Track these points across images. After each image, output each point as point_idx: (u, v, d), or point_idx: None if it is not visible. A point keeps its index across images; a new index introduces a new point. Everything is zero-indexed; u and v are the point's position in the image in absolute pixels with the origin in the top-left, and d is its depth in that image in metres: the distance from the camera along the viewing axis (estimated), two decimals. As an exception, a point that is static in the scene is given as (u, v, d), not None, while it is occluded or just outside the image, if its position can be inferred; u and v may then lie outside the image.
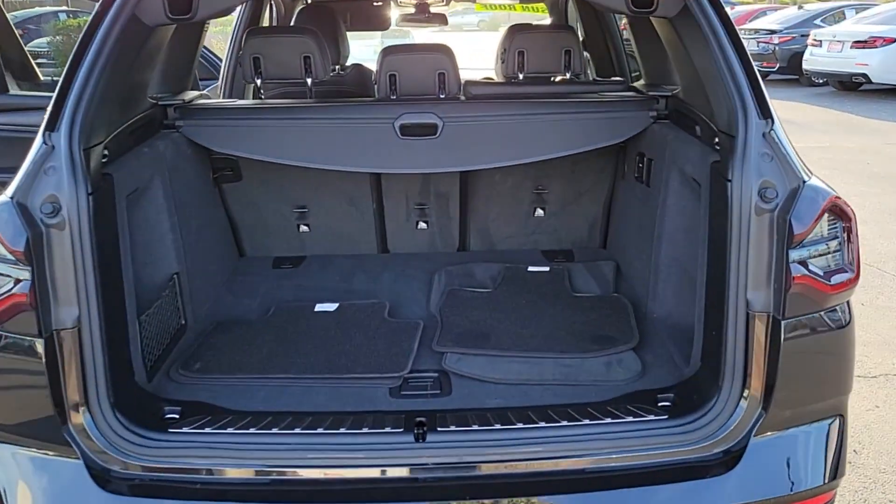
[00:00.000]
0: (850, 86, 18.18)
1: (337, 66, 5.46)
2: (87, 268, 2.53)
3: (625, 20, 4.82)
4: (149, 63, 3.30)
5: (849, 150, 11.95)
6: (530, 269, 4.07)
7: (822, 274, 2.56)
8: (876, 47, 16.83)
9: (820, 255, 2.57)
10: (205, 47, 7.62)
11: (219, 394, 2.96)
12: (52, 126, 2.55)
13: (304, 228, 4.33)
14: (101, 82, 2.66)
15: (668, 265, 3.44)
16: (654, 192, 3.55)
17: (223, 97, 5.23)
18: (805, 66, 18.47)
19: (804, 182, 2.54)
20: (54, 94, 2.63)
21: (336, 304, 3.67)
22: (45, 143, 2.54)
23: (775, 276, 2.55)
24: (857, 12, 20.15)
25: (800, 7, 22.61)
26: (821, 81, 18.69)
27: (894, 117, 14.92)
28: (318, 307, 3.66)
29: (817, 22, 20.44)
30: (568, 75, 4.09)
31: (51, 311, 2.48)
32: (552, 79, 4.28)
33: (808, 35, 18.85)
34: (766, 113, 2.62)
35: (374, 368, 3.08)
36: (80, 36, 2.72)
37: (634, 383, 2.99)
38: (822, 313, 2.61)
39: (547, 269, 4.06)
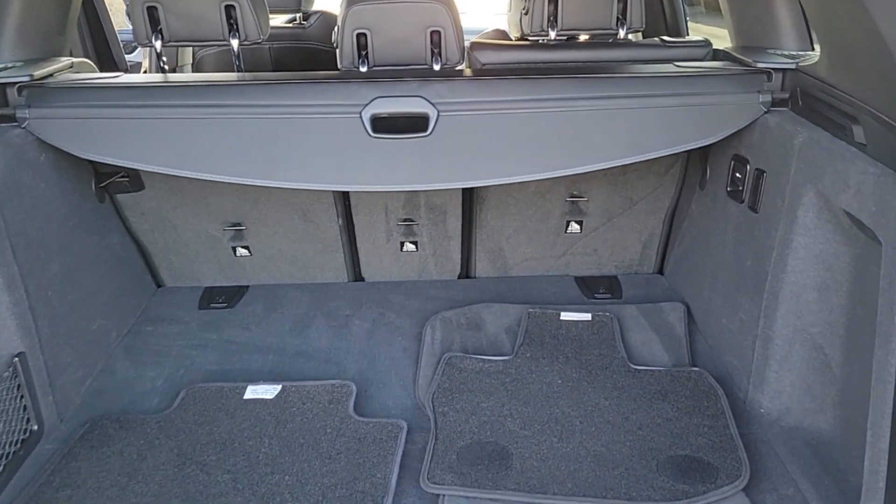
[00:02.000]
0: None
1: (298, 15, 4.13)
2: None
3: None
4: None
5: None
6: (563, 316, 2.83)
7: None
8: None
9: None
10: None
11: None
12: None
13: (242, 252, 3.06)
14: None
15: (789, 337, 2.20)
16: (765, 220, 2.29)
17: (150, 67, 3.91)
18: None
19: None
20: None
21: (277, 387, 2.44)
22: None
23: None
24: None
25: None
26: None
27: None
28: (251, 391, 2.42)
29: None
30: (622, 33, 2.78)
31: None
32: (580, 38, 3.00)
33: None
34: None
35: (324, 533, 1.87)
36: None
37: None
38: None
39: (588, 317, 2.82)
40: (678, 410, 2.30)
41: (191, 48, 4.12)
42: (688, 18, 4.31)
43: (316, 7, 4.21)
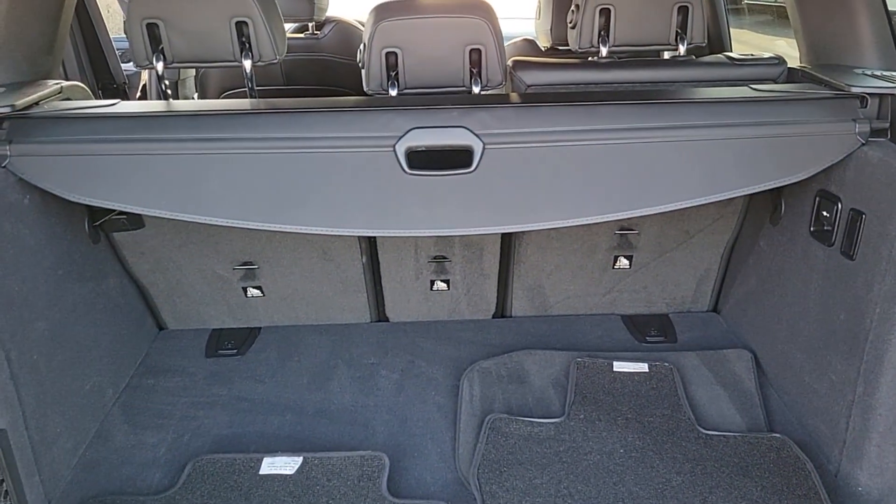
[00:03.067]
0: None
1: (311, 23, 3.80)
2: None
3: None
4: None
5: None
6: (617, 367, 2.51)
7: None
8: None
9: None
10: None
11: None
12: None
13: (253, 292, 2.75)
14: None
15: (894, 408, 1.89)
16: (865, 270, 1.97)
17: (150, 83, 3.59)
18: None
19: None
20: None
21: (298, 459, 2.12)
22: None
23: None
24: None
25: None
26: None
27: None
28: (268, 465, 2.11)
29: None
30: (682, 50, 2.47)
31: None
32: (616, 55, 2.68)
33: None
34: None
35: None
36: None
37: None
38: None
39: (644, 368, 2.51)
40: (764, 490, 1.98)
41: (196, 82, 3.81)
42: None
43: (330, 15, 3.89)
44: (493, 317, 2.92)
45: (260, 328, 2.86)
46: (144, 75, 3.96)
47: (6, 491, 1.89)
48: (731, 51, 3.68)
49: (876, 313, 1.91)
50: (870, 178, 1.97)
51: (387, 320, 2.90)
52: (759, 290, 2.59)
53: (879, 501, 1.95)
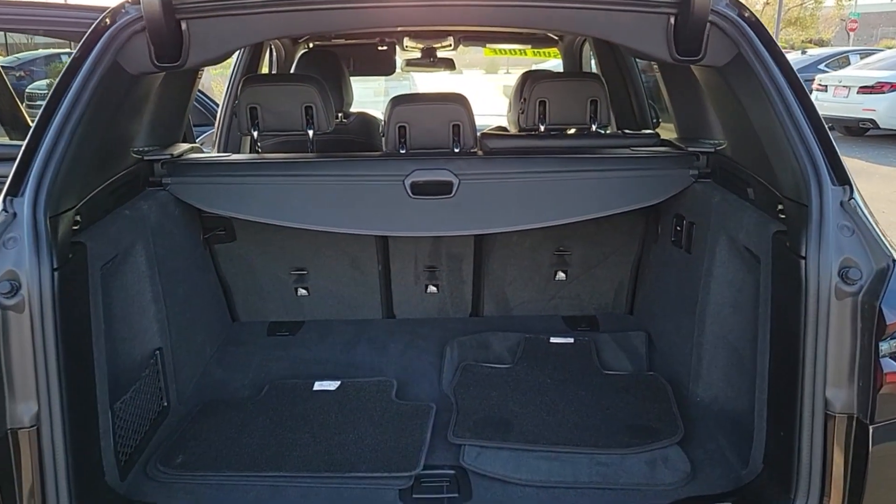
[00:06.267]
0: (857, 131, 17.91)
1: (340, 114, 5.12)
2: (50, 355, 2.17)
3: (651, 64, 4.50)
4: (133, 115, 2.95)
5: (861, 198, 11.60)
6: (552, 340, 3.67)
7: (915, 369, 2.18)
8: (883, 92, 16.58)
9: (914, 348, 2.19)
10: (200, 91, 7.31)
11: (202, 496, 2.55)
12: (14, 191, 2.23)
13: (302, 292, 3.94)
14: (74, 139, 2.33)
15: (714, 343, 3.05)
16: (695, 259, 3.18)
17: (218, 149, 4.88)
18: (810, 111, 18.17)
19: (894, 261, 2.18)
20: (19, 154, 2.29)
21: (337, 382, 3.27)
22: (5, 210, 2.21)
23: (861, 371, 2.18)
24: (861, 58, 20.06)
25: (804, 52, 22.59)
26: (826, 126, 18.37)
27: (904, 163, 14.65)
28: (318, 385, 3.25)
29: (821, 67, 20.30)
30: (594, 127, 3.74)
31: (5, 407, 2.15)
32: (568, 131, 3.94)
33: (812, 80, 18.68)
34: (842, 178, 2.29)
35: (381, 465, 2.67)
36: (52, 87, 2.38)
37: (684, 487, 2.58)
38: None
39: (571, 340, 3.66)
40: (635, 398, 3.12)
41: (248, 144, 5.08)
42: (660, 120, 5.27)
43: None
44: (470, 315, 4.08)
45: (304, 321, 4.02)
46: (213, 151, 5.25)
47: (160, 387, 3.03)
48: (652, 128, 4.98)
49: (700, 284, 3.09)
50: (698, 202, 3.20)
51: (394, 317, 4.07)
52: (650, 292, 3.78)
53: (709, 404, 3.07)
